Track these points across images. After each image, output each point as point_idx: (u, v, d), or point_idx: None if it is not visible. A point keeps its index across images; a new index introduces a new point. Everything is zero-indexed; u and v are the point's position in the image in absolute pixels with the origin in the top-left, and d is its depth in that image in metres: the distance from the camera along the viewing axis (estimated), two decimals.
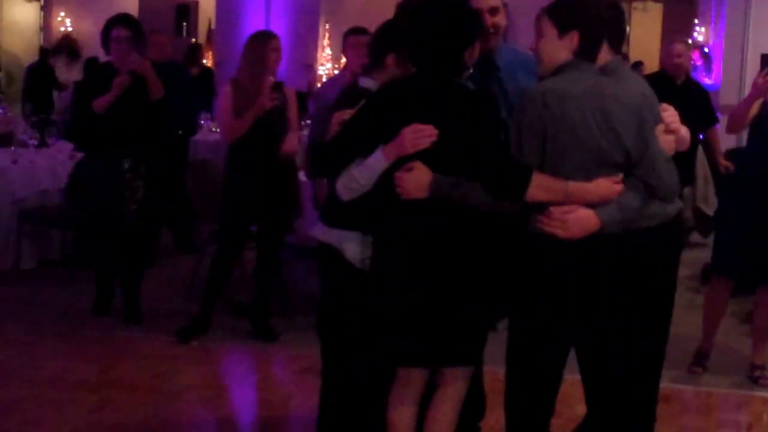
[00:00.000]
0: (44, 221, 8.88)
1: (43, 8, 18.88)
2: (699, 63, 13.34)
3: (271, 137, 6.93)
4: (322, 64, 15.61)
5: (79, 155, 9.22)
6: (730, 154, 8.66)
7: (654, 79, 8.68)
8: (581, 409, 4.57)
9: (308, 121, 11.38)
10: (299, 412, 5.87)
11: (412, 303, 4.03)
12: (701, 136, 8.95)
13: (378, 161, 4.06)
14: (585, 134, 3.89)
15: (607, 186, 3.92)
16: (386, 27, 4.52)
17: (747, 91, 6.72)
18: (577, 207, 3.90)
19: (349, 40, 7.05)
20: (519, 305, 4.14)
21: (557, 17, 4.03)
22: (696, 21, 15.14)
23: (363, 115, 4.18)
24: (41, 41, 18.52)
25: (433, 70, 4.09)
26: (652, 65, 14.45)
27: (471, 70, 4.26)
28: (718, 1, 13.26)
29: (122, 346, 6.82)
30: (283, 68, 7.35)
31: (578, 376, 4.21)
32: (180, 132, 9.71)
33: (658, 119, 4.08)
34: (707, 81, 12.93)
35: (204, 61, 15.07)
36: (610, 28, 4.14)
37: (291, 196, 7.23)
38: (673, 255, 4.24)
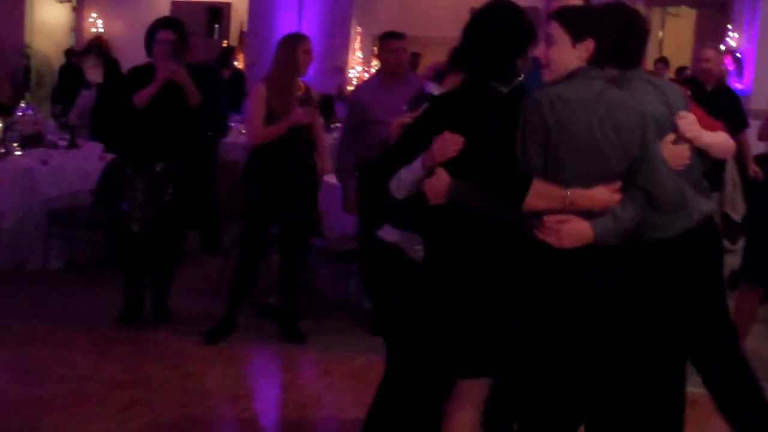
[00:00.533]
0: (73, 222, 8.92)
1: (75, 9, 18.98)
2: (731, 68, 13.29)
3: (299, 141, 6.95)
4: (352, 68, 15.63)
5: (109, 156, 9.29)
6: (760, 160, 8.62)
7: (684, 85, 8.71)
8: None
9: (338, 125, 11.42)
10: (325, 412, 5.91)
11: (478, 309, 3.97)
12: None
13: (416, 168, 4.08)
14: (589, 141, 3.84)
15: (606, 194, 3.88)
16: None
17: None
18: (571, 217, 3.86)
19: (387, 44, 7.06)
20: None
21: (571, 24, 3.95)
22: (729, 27, 15.08)
23: (417, 121, 4.21)
24: (73, 42, 18.63)
25: (482, 77, 4.06)
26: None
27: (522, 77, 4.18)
28: (751, 7, 13.20)
29: (150, 346, 6.85)
30: (313, 71, 7.38)
31: None
32: (210, 133, 9.73)
33: (670, 128, 4.05)
34: (738, 86, 12.89)
35: (235, 63, 15.11)
36: (626, 36, 4.11)
37: (317, 200, 7.26)
38: (698, 265, 4.20)
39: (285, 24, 14.24)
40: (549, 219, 3.85)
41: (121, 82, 7.55)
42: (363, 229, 6.00)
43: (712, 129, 4.33)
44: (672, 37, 18.00)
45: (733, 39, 14.46)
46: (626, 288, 3.97)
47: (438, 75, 4.69)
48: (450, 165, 3.97)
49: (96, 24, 18.52)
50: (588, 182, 3.86)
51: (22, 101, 12.30)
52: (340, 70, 14.66)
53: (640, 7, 16.73)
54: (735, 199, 9.85)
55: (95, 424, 5.45)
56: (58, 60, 17.85)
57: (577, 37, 3.92)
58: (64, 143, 9.70)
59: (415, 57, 15.48)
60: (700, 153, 4.26)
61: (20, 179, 8.77)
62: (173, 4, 18.70)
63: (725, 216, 9.78)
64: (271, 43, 7.44)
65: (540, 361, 4.00)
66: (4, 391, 5.92)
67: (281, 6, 15.04)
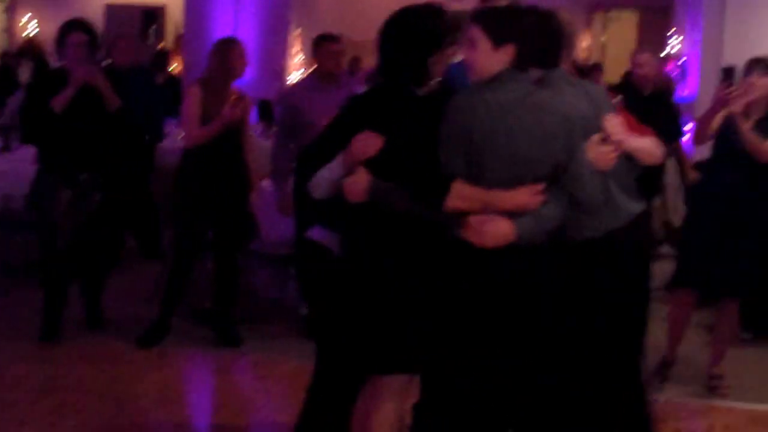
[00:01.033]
0: (6, 226, 8.82)
1: (7, 10, 18.79)
2: (675, 74, 13.40)
3: (232, 145, 6.98)
4: (292, 72, 15.59)
5: None
6: (701, 167, 8.68)
7: (620, 90, 8.74)
8: None
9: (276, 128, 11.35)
10: (258, 415, 5.95)
11: (395, 308, 4.04)
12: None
13: (337, 167, 4.10)
14: (512, 145, 3.84)
15: (527, 196, 3.89)
16: None
17: None
18: (494, 217, 3.87)
19: (323, 46, 7.06)
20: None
21: (491, 28, 3.92)
22: (671, 32, 15.20)
23: (336, 120, 4.25)
24: (5, 44, 18.44)
25: (394, 81, 4.11)
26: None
27: (440, 79, 4.19)
28: (693, 11, 13.30)
29: (83, 350, 6.81)
30: (252, 75, 7.36)
31: None
32: (146, 137, 9.67)
33: (596, 129, 4.05)
34: (683, 93, 12.96)
35: (173, 66, 15.04)
36: (546, 39, 4.09)
37: (249, 204, 7.25)
38: (629, 266, 4.23)
39: (221, 27, 14.15)
40: (472, 219, 3.87)
41: (39, 85, 7.34)
42: (298, 230, 5.99)
43: (641, 134, 4.36)
44: (615, 41, 18.18)
45: (675, 44, 14.60)
46: (554, 287, 3.98)
47: (370, 79, 4.74)
48: (370, 164, 3.99)
49: (28, 26, 18.33)
50: (511, 186, 3.87)
51: None
52: (279, 74, 14.62)
53: (581, 11, 16.89)
54: (677, 205, 9.94)
55: (24, 427, 5.43)
56: None
57: (497, 42, 3.90)
58: None
59: (356, 61, 15.49)
60: (631, 157, 4.29)
61: None
62: (107, 6, 18.59)
63: (668, 223, 9.87)
64: (207, 46, 7.40)
65: (459, 360, 4.03)
66: None
67: (217, 8, 14.95)
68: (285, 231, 7.60)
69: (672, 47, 14.68)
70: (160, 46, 17.65)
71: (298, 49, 15.56)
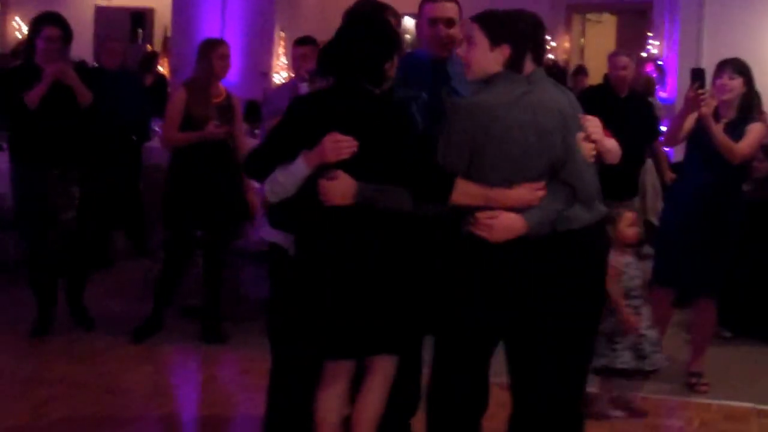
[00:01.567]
0: None
1: None
2: (654, 76, 13.44)
3: (221, 145, 7.05)
4: (278, 73, 15.64)
5: None
6: (677, 167, 8.78)
7: (597, 91, 8.85)
8: None
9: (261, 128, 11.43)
10: (240, 410, 6.02)
11: (331, 296, 4.15)
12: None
13: (300, 168, 4.17)
14: (513, 146, 3.99)
15: (528, 193, 4.03)
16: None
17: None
18: (502, 212, 4.01)
19: (294, 50, 7.17)
20: (451, 302, 4.23)
21: (489, 29, 4.12)
22: (650, 34, 15.27)
23: (286, 121, 4.30)
24: None
25: (353, 81, 4.22)
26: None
27: (392, 82, 4.38)
28: (670, 14, 13.35)
29: (72, 345, 6.91)
30: (238, 76, 7.46)
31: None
32: (134, 138, 9.79)
33: (580, 127, 4.22)
34: (662, 94, 13.02)
35: (159, 69, 15.10)
36: (534, 42, 4.28)
37: (240, 204, 7.30)
38: (600, 257, 4.37)
39: (208, 29, 14.22)
40: (482, 215, 4.01)
41: (9, 77, 7.15)
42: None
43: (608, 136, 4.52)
44: (593, 44, 18.16)
45: (654, 47, 14.66)
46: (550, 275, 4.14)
47: (312, 77, 4.81)
48: (343, 165, 4.10)
49: (21, 28, 18.35)
50: (512, 183, 4.02)
51: None
52: (265, 75, 14.68)
53: (560, 14, 16.91)
54: (656, 205, 10.04)
55: (11, 419, 5.51)
56: None
57: (494, 42, 4.10)
58: None
59: None
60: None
61: None
62: (97, 8, 18.60)
63: (648, 223, 9.97)
64: (194, 47, 7.48)
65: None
66: None
67: (204, 11, 15.02)
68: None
69: (651, 49, 14.74)
70: (149, 48, 17.70)
71: (283, 50, 15.61)
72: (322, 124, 4.13)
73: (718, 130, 6.27)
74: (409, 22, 10.57)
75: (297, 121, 4.25)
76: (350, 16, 4.72)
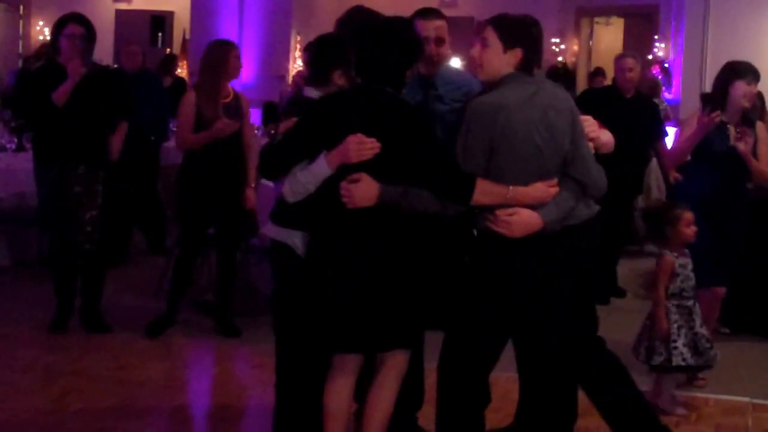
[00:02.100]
0: (21, 222, 9.09)
1: (22, 17, 19.02)
2: (660, 78, 13.53)
3: (233, 144, 7.16)
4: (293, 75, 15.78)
5: None
6: (680, 167, 8.86)
7: (604, 93, 9.00)
8: None
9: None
10: (253, 402, 6.14)
11: (346, 293, 4.24)
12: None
13: (322, 168, 4.26)
14: (528, 146, 4.21)
15: (543, 190, 4.24)
16: (328, 43, 4.83)
17: None
18: (520, 209, 4.21)
19: (303, 55, 7.25)
20: (463, 297, 4.43)
21: (504, 32, 4.33)
22: (656, 36, 15.36)
23: (306, 122, 4.38)
24: (21, 49, 18.65)
25: (378, 84, 4.33)
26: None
27: (408, 87, 4.50)
28: (676, 17, 13.42)
29: (90, 339, 7.07)
30: (255, 79, 7.59)
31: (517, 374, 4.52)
32: (152, 138, 9.98)
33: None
34: (668, 95, 13.12)
35: (179, 71, 15.27)
36: (540, 45, 4.50)
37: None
38: (591, 251, 4.55)
39: (226, 33, 14.35)
40: (501, 212, 4.22)
41: (34, 76, 7.30)
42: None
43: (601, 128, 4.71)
44: (601, 46, 18.21)
45: (660, 49, 14.75)
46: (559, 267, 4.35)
47: (309, 80, 4.96)
48: (365, 167, 4.20)
49: (43, 31, 18.56)
50: (527, 181, 4.23)
51: None
52: (282, 78, 14.79)
53: (569, 17, 16.97)
54: None
55: (30, 411, 5.65)
56: (4, 67, 17.84)
57: (508, 45, 4.31)
58: (12, 146, 9.82)
59: None
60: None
61: None
62: (117, 12, 18.79)
63: None
64: None
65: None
66: None
67: (222, 15, 15.15)
68: None
69: (657, 51, 14.83)
70: (168, 50, 17.85)
71: (299, 54, 15.76)
72: (344, 125, 4.22)
73: (756, 165, 6.44)
74: None
75: (318, 121, 4.33)
76: (348, 22, 4.87)
